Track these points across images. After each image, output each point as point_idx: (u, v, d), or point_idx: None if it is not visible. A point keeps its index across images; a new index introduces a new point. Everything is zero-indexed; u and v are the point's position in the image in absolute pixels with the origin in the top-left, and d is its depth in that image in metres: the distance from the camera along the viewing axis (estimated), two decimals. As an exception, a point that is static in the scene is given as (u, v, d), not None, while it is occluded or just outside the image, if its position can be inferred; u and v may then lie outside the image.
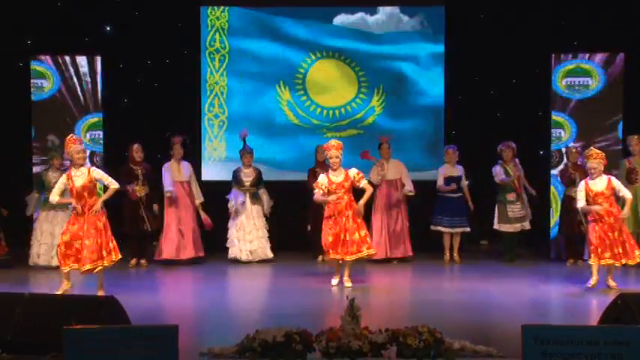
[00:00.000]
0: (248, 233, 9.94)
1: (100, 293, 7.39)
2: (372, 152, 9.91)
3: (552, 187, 10.25)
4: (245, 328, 5.35)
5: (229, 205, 9.99)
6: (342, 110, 11.37)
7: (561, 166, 10.05)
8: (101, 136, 10.56)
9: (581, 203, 7.90)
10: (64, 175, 7.70)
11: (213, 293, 8.17)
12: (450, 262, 9.99)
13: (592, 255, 7.79)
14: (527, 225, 9.91)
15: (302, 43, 11.31)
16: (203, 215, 9.91)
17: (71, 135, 8.02)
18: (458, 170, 10.03)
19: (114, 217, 9.98)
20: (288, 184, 10.71)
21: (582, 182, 8.01)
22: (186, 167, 9.94)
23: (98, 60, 10.56)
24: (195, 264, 9.81)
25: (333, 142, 8.27)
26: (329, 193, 8.14)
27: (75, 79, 10.51)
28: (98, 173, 7.67)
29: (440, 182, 9.98)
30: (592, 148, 8.25)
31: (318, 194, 8.24)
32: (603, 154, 7.92)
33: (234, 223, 10.01)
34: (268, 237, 10.06)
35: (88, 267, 7.42)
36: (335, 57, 11.35)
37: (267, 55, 11.31)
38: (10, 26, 10.81)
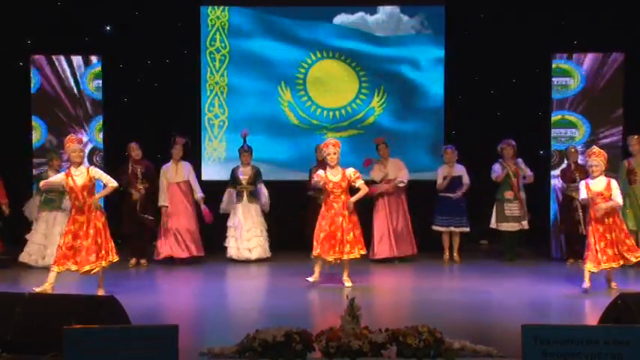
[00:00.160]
0: (246, 231, 9.95)
1: (100, 293, 7.40)
2: (372, 155, 9.95)
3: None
4: (245, 327, 5.35)
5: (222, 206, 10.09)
6: (343, 112, 11.37)
7: (563, 166, 10.05)
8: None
9: (583, 195, 7.84)
10: (63, 174, 7.73)
11: (213, 293, 8.18)
12: (450, 262, 10.00)
13: (587, 261, 7.73)
14: (525, 225, 9.91)
15: (303, 43, 11.31)
16: (203, 207, 9.91)
17: (70, 135, 8.10)
18: (457, 170, 10.04)
19: (114, 217, 10.03)
20: (289, 184, 10.72)
21: (582, 182, 8.00)
22: (184, 167, 9.95)
23: (94, 59, 10.55)
24: (194, 264, 9.81)
25: (330, 140, 8.40)
26: (326, 191, 8.18)
27: (72, 80, 10.50)
28: (97, 172, 7.71)
29: (439, 182, 10.00)
30: (594, 146, 8.24)
31: (315, 180, 8.30)
32: (605, 153, 7.90)
33: (231, 222, 10.02)
34: (267, 236, 10.08)
35: (86, 268, 7.44)
36: (336, 57, 11.36)
37: (267, 54, 11.31)
38: (10, 26, 10.81)
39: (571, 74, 10.23)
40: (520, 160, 9.94)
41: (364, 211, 9.67)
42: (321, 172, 8.36)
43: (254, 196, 10.09)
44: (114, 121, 10.78)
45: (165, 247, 9.82)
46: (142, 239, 9.83)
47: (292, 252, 10.30)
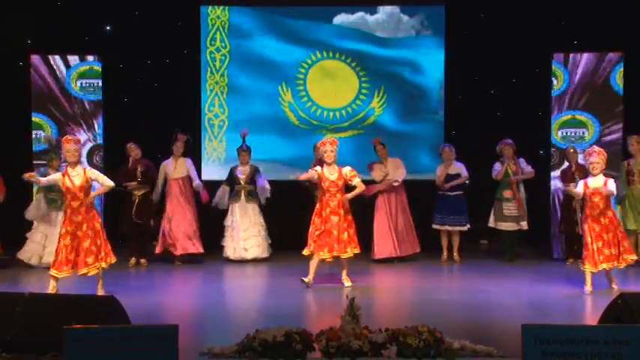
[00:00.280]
0: (243, 231, 9.95)
1: (100, 293, 7.41)
2: (371, 157, 9.99)
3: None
4: (245, 327, 5.36)
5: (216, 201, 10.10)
6: (343, 112, 11.38)
7: (563, 167, 10.04)
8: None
9: (579, 189, 7.85)
10: (60, 174, 7.74)
11: (213, 293, 8.18)
12: (450, 262, 9.99)
13: (585, 261, 7.75)
14: (524, 225, 9.90)
15: (303, 43, 11.32)
16: (203, 192, 9.90)
17: (67, 135, 8.16)
18: (456, 168, 10.04)
19: (114, 217, 10.03)
20: (289, 184, 10.68)
21: (581, 181, 8.02)
22: (184, 163, 9.96)
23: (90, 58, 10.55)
24: (194, 263, 9.81)
25: (328, 138, 8.48)
26: (322, 189, 8.19)
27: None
28: (93, 173, 7.72)
29: (438, 181, 10.01)
30: (594, 145, 8.27)
31: (311, 173, 8.28)
32: (604, 153, 7.91)
33: (228, 221, 10.03)
34: (266, 235, 10.08)
35: (84, 271, 7.46)
36: (336, 57, 11.35)
37: (268, 54, 11.31)
38: (10, 26, 10.81)
39: (555, 74, 10.23)
40: (522, 160, 9.94)
41: (365, 210, 9.69)
42: (318, 167, 8.37)
43: (252, 195, 10.09)
44: (114, 121, 10.78)
45: (164, 242, 9.86)
46: (141, 239, 9.83)
47: (292, 252, 10.27)
